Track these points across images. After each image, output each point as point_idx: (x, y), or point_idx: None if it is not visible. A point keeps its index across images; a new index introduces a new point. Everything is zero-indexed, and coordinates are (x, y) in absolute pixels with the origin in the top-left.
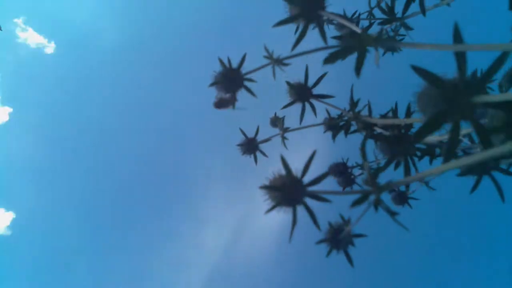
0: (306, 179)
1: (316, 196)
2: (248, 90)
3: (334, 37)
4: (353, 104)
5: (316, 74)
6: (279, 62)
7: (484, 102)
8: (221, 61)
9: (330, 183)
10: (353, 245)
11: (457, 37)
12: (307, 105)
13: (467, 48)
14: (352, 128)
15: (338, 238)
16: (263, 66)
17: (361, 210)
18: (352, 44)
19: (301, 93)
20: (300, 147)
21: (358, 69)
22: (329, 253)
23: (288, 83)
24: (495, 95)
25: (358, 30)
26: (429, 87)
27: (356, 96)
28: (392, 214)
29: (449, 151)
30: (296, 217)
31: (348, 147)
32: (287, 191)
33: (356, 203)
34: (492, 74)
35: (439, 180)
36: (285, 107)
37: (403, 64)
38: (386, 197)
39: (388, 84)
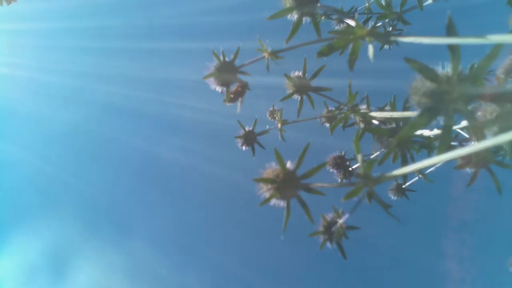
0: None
1: (309, 189)
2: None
3: (331, 32)
4: (351, 97)
5: (315, 68)
6: (273, 55)
7: (477, 94)
8: (215, 55)
9: (329, 176)
10: (346, 238)
11: (451, 29)
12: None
13: (460, 41)
14: (350, 121)
15: (332, 230)
16: (257, 59)
17: (364, 204)
18: (346, 37)
19: (300, 85)
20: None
21: (352, 61)
22: (322, 245)
23: (286, 75)
24: (488, 87)
25: (353, 23)
26: (423, 80)
27: (354, 89)
28: (386, 207)
29: (443, 143)
30: (289, 210)
31: (346, 140)
32: (281, 184)
33: (349, 195)
34: (486, 66)
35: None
36: (283, 99)
37: (401, 59)
38: (385, 191)
39: (387, 78)
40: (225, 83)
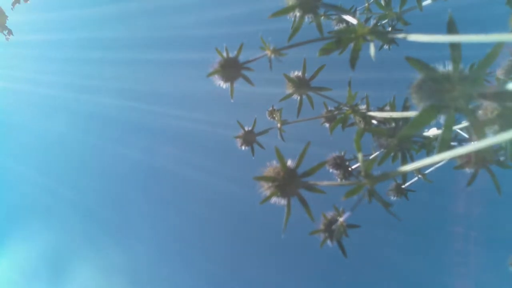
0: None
1: (310, 187)
2: (246, 79)
3: (331, 32)
4: (351, 97)
5: (315, 68)
6: (275, 52)
7: (478, 93)
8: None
9: (328, 177)
10: (346, 236)
11: (451, 27)
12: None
13: (460, 38)
14: (350, 121)
15: (332, 229)
16: (260, 57)
17: (364, 204)
18: (348, 35)
19: (299, 85)
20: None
21: (353, 59)
22: (323, 243)
23: (286, 75)
24: (488, 86)
25: (354, 21)
26: (424, 79)
27: (354, 89)
28: (386, 205)
29: (443, 142)
30: (290, 208)
31: (346, 140)
32: (281, 182)
33: (349, 194)
34: (486, 65)
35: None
36: (283, 99)
37: (402, 59)
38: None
39: (386, 78)
40: (229, 79)
